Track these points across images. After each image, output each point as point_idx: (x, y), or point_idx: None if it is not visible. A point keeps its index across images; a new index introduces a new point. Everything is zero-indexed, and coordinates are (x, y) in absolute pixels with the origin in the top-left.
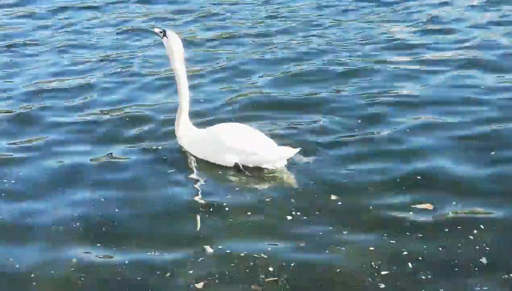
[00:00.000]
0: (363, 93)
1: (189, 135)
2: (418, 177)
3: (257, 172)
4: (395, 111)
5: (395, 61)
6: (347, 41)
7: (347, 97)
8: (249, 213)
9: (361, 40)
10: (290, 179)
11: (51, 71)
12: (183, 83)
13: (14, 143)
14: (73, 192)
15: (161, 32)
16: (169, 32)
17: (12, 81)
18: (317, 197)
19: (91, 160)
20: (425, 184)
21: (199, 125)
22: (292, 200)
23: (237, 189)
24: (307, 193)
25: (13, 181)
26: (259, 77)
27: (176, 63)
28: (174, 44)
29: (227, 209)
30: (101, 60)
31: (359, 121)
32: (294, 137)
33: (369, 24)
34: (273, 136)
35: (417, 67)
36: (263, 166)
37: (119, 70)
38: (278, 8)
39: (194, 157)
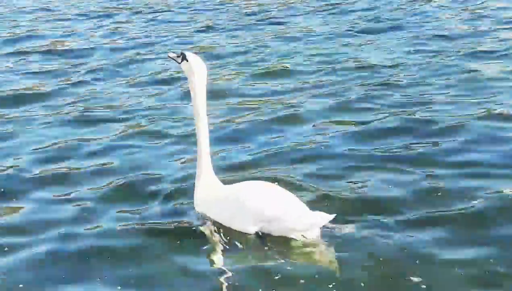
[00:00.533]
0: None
1: (205, 195)
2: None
3: (284, 244)
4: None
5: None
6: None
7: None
8: None
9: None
10: (325, 254)
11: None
12: (202, 119)
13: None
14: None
15: (178, 56)
16: (189, 54)
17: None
18: (364, 284)
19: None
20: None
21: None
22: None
23: (259, 270)
24: (349, 276)
25: None
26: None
27: (197, 93)
28: (197, 67)
29: None
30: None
31: (419, 187)
32: (333, 199)
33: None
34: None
35: None
36: (291, 236)
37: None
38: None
39: (211, 220)
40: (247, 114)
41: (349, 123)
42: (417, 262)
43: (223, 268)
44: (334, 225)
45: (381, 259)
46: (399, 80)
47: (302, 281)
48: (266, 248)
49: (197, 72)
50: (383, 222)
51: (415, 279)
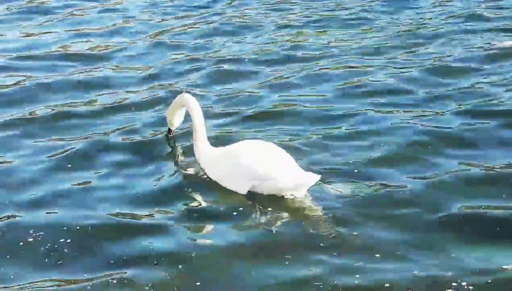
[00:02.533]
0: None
1: (206, 155)
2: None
3: (276, 202)
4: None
5: None
6: None
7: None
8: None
9: None
10: (314, 212)
11: None
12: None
13: None
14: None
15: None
16: (185, 97)
17: None
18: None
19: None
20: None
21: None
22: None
23: (250, 229)
24: (337, 234)
25: None
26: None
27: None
28: (191, 103)
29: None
30: None
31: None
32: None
33: None
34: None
35: None
36: (281, 194)
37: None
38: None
39: (210, 179)
40: None
41: None
42: (406, 219)
43: (215, 227)
44: (323, 184)
45: (369, 216)
46: None
47: (291, 239)
48: (257, 206)
49: (193, 106)
50: (372, 183)
51: (403, 235)
